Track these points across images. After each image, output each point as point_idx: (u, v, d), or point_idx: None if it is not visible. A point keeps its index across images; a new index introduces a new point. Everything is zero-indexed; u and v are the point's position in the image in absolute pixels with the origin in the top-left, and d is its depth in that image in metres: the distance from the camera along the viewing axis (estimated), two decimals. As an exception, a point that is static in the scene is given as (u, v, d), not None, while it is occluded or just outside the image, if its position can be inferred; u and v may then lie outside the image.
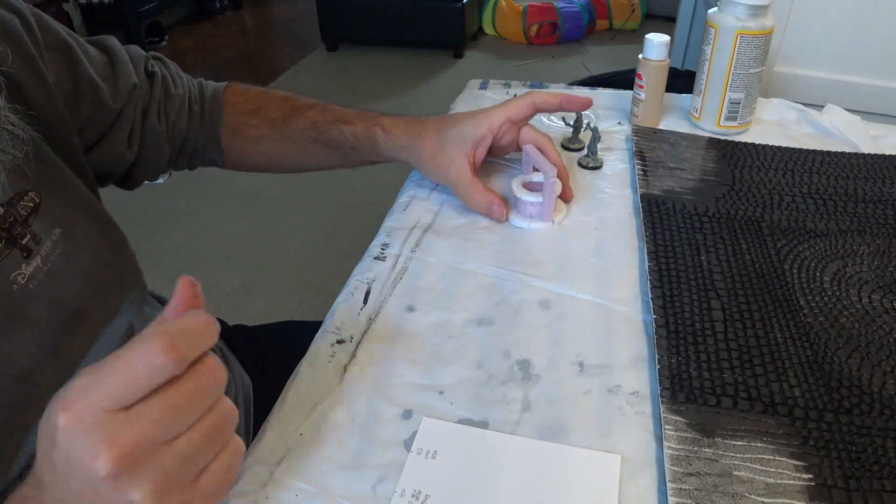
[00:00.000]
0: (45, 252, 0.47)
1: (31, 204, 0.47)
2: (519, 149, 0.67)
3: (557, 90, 0.91)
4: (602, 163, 0.75)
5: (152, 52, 0.67)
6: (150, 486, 0.28)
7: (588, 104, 0.66)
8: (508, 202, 0.66)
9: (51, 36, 0.54)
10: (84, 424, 0.27)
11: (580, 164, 0.75)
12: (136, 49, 0.64)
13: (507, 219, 0.64)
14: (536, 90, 0.66)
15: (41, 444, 0.30)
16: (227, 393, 0.63)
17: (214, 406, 0.31)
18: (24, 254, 0.45)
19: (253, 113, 0.68)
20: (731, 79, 0.76)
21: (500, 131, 0.64)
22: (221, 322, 0.77)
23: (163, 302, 0.63)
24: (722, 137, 0.79)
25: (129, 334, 0.53)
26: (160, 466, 0.29)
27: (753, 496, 0.40)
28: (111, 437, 0.27)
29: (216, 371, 0.30)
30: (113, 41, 0.61)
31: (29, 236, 0.46)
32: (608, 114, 0.86)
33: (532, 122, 0.83)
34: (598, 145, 0.75)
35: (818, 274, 0.57)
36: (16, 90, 0.48)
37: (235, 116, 0.68)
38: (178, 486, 0.29)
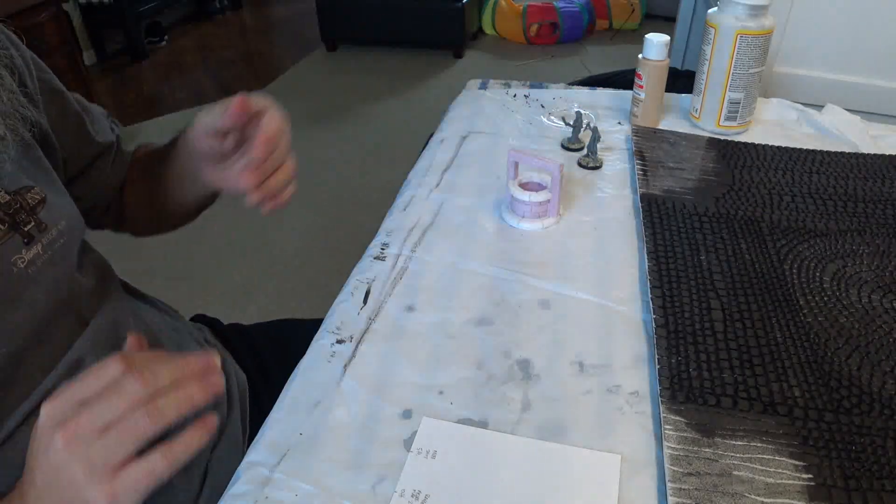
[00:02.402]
0: (47, 240, 0.49)
1: (38, 197, 0.50)
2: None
3: (559, 88, 0.91)
4: (602, 163, 0.75)
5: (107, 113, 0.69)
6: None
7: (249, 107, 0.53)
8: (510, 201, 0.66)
9: (43, 73, 0.57)
10: (76, 447, 0.36)
11: (580, 164, 0.75)
12: (99, 108, 0.66)
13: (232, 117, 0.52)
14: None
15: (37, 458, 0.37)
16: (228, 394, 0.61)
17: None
18: (26, 240, 0.48)
19: (135, 161, 0.69)
20: (730, 79, 0.76)
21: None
22: (218, 322, 0.78)
23: (148, 300, 0.66)
24: (722, 137, 0.79)
25: (113, 330, 0.54)
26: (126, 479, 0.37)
27: (753, 496, 0.40)
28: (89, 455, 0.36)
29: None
30: (83, 100, 0.63)
31: (33, 223, 0.48)
32: (608, 114, 0.86)
33: (532, 121, 0.83)
34: (598, 145, 0.75)
35: (818, 274, 0.57)
36: (20, 80, 0.52)
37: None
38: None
